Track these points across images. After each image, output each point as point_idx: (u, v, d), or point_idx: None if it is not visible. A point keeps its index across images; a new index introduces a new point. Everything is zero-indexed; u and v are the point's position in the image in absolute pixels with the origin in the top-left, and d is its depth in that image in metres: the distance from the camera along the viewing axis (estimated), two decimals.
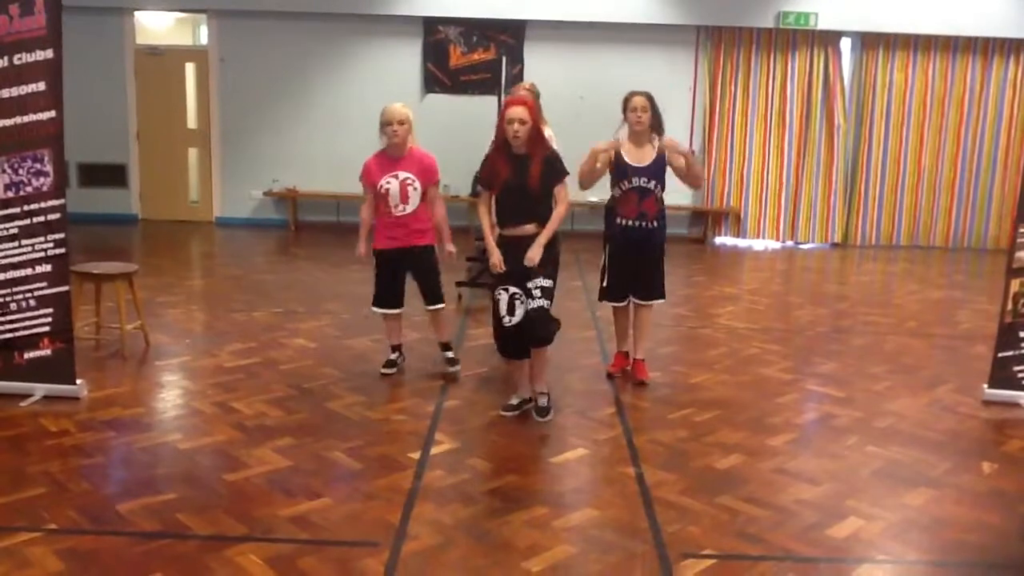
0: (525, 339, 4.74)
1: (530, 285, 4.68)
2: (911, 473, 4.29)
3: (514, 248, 4.72)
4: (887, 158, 11.64)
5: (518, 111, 4.62)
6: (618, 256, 5.40)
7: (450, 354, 5.58)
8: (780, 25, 11.13)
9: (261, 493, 3.84)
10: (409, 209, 5.26)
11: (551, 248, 4.75)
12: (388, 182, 5.22)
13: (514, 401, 4.92)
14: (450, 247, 5.44)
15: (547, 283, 4.72)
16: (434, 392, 5.25)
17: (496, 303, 4.76)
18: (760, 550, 3.48)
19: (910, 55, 11.41)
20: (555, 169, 4.71)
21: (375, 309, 5.56)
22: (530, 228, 4.70)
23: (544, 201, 4.73)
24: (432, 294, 5.47)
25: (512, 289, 4.70)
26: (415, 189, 5.23)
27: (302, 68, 11.43)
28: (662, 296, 5.52)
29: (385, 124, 5.18)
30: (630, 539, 3.53)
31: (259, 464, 4.14)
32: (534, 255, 4.66)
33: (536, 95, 5.30)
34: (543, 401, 4.87)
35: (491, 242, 4.79)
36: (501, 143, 4.74)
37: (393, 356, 5.61)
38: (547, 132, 5.43)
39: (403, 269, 5.45)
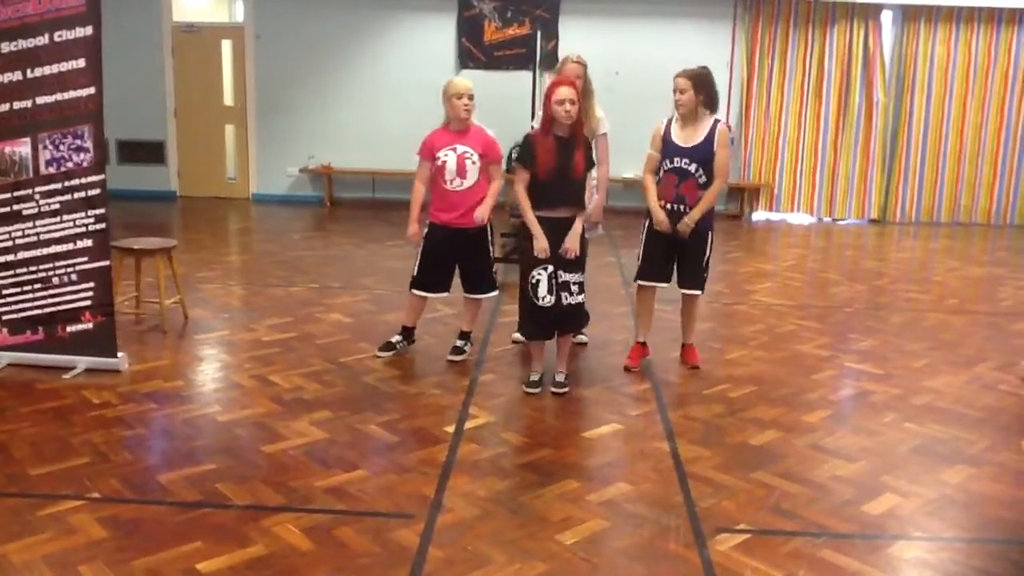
0: (562, 328, 4.86)
1: (569, 279, 4.72)
2: (949, 450, 4.25)
3: (554, 229, 4.70)
4: (928, 133, 11.43)
5: (568, 92, 4.52)
6: (654, 237, 5.20)
7: (466, 343, 5.40)
8: None
9: (298, 464, 3.89)
10: (467, 184, 5.05)
11: (585, 241, 4.82)
12: (446, 155, 5.01)
13: (535, 377, 4.91)
14: (481, 216, 5.08)
15: (582, 278, 4.80)
16: (469, 366, 5.27)
17: (535, 284, 4.70)
18: (795, 526, 3.47)
19: (952, 28, 11.17)
20: (591, 157, 4.79)
21: (417, 292, 5.29)
22: (569, 211, 4.71)
23: (584, 186, 4.80)
24: (482, 279, 5.28)
25: (551, 269, 4.69)
26: (473, 163, 5.02)
27: (337, 44, 11.44)
28: (699, 288, 5.23)
29: (455, 96, 4.94)
30: (664, 513, 3.54)
31: (296, 436, 4.19)
32: (572, 245, 4.68)
33: (584, 67, 5.23)
34: (560, 378, 4.90)
35: (537, 226, 4.66)
36: (547, 124, 4.64)
37: (396, 339, 5.41)
38: (598, 112, 5.36)
39: (453, 254, 5.21)
